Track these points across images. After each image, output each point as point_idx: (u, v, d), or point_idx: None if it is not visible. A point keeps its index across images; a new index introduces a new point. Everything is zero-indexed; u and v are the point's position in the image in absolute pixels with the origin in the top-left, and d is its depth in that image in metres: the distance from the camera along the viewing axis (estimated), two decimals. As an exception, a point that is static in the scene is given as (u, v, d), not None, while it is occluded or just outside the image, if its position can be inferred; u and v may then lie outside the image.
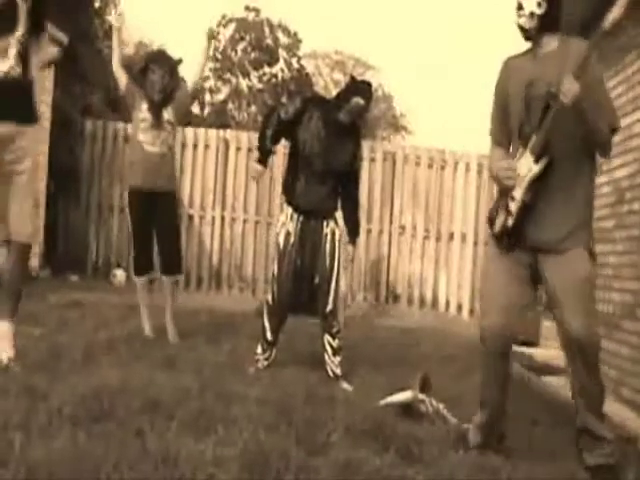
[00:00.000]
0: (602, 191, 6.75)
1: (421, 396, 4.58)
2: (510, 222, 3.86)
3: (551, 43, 3.93)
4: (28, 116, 4.62)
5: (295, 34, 30.87)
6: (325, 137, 5.45)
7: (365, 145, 12.67)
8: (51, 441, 3.25)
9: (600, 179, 6.80)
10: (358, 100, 5.36)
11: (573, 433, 4.14)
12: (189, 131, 12.93)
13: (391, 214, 12.97)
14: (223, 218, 12.87)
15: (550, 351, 8.40)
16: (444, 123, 50.34)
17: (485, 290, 4.12)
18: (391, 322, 10.17)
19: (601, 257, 6.67)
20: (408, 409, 4.52)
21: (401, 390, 4.69)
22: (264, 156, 5.61)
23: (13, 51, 4.46)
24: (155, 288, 6.89)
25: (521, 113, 3.94)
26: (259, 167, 5.61)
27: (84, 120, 12.85)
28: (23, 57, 4.49)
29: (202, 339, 6.46)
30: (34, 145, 4.68)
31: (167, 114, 6.57)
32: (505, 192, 3.91)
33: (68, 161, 12.55)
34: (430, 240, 12.88)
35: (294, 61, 30.75)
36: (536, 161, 3.79)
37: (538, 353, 8.31)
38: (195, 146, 12.81)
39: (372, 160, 12.97)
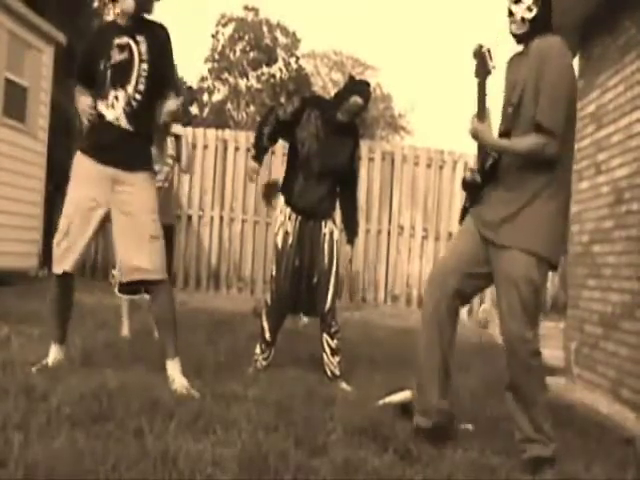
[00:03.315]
0: (601, 191, 6.76)
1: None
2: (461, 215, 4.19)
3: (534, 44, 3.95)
4: (133, 164, 4.73)
5: (294, 34, 30.90)
6: (324, 137, 5.46)
7: (364, 145, 12.68)
8: (50, 441, 3.25)
9: (599, 179, 6.82)
10: (356, 99, 5.37)
11: (572, 433, 4.15)
12: (188, 131, 12.92)
13: (390, 214, 12.97)
14: (222, 218, 12.87)
15: (549, 351, 8.40)
16: (443, 123, 50.38)
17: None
18: (390, 322, 10.17)
19: (600, 257, 6.69)
20: (407, 409, 4.52)
21: (400, 390, 4.68)
22: (259, 154, 5.61)
23: (121, 104, 4.67)
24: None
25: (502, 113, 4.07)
26: (254, 164, 5.59)
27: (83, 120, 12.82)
28: (134, 112, 4.68)
29: (201, 339, 6.46)
30: (140, 190, 4.74)
31: (170, 149, 6.66)
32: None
33: (67, 161, 12.53)
34: (429, 240, 12.89)
35: (293, 61, 30.78)
36: (478, 171, 4.04)
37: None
38: (194, 146, 12.80)
39: (371, 160, 12.97)
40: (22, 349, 5.30)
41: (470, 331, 9.33)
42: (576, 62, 7.61)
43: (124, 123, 4.68)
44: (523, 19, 3.90)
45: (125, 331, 6.67)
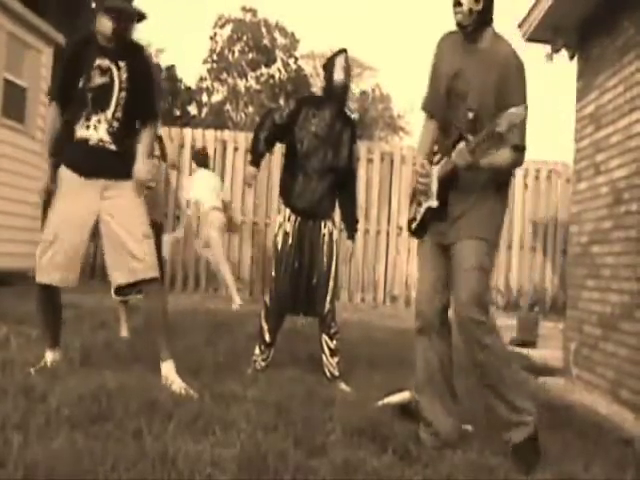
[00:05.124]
0: (600, 192, 6.75)
1: (419, 396, 4.58)
2: (414, 225, 4.17)
3: (484, 39, 3.96)
4: (120, 174, 4.77)
5: (292, 34, 30.91)
6: (322, 134, 5.48)
7: (363, 146, 12.70)
8: (49, 442, 3.25)
9: (598, 180, 6.81)
10: (339, 55, 5.53)
11: (571, 434, 4.15)
12: (187, 132, 12.92)
13: (389, 214, 12.97)
14: (221, 219, 12.84)
15: (548, 351, 8.41)
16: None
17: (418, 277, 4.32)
18: (389, 323, 10.16)
19: (599, 258, 6.69)
20: (406, 409, 4.52)
21: (399, 391, 4.69)
22: (256, 158, 5.66)
23: (104, 126, 4.71)
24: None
25: (443, 102, 4.07)
26: (252, 169, 5.68)
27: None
28: (116, 134, 4.73)
29: (200, 340, 6.46)
30: (128, 195, 4.78)
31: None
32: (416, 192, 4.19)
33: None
34: (428, 241, 12.86)
35: (291, 62, 30.79)
36: (438, 195, 4.01)
37: (536, 354, 8.31)
38: (193, 147, 12.80)
39: (370, 161, 12.98)
40: (21, 349, 5.30)
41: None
42: (575, 63, 7.62)
43: (108, 144, 4.72)
44: (470, 10, 3.89)
45: (124, 332, 6.67)
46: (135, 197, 4.81)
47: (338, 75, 5.50)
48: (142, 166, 4.77)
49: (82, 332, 6.23)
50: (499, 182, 4.02)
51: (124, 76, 4.73)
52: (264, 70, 30.32)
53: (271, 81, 30.22)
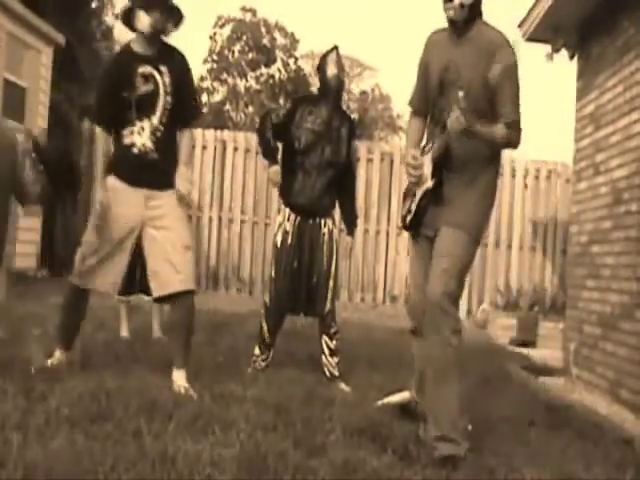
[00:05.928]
0: (600, 192, 6.75)
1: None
2: (409, 218, 4.19)
3: (472, 30, 3.99)
4: (164, 184, 4.78)
5: (292, 34, 30.90)
6: (319, 129, 5.48)
7: (363, 146, 12.69)
8: (49, 442, 3.25)
9: (598, 179, 6.82)
10: (330, 51, 5.65)
11: (571, 434, 4.14)
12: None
13: (389, 214, 12.96)
14: (220, 219, 12.85)
15: (548, 352, 8.41)
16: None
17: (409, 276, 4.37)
18: (389, 323, 10.16)
19: (599, 258, 6.69)
20: (406, 409, 4.52)
21: (399, 391, 4.68)
22: (272, 156, 5.63)
23: (147, 133, 4.72)
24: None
25: (435, 94, 4.09)
26: (274, 167, 5.60)
27: (82, 121, 12.81)
28: (159, 141, 4.75)
29: (199, 340, 6.44)
30: (172, 204, 4.79)
31: None
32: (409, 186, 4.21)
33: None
34: (428, 241, 12.85)
35: (291, 62, 30.77)
36: (432, 175, 4.01)
37: (536, 354, 8.32)
38: (192, 147, 12.77)
39: (369, 161, 12.97)
40: (21, 350, 5.30)
41: (468, 331, 9.32)
42: (575, 63, 7.62)
43: (151, 152, 4.73)
44: (462, 5, 3.91)
45: (124, 332, 6.67)
46: (178, 207, 4.81)
47: (331, 70, 5.53)
48: (182, 178, 4.79)
49: (82, 332, 6.22)
50: (489, 177, 4.03)
51: (167, 80, 4.74)
52: (264, 70, 30.32)
53: (271, 81, 30.21)
